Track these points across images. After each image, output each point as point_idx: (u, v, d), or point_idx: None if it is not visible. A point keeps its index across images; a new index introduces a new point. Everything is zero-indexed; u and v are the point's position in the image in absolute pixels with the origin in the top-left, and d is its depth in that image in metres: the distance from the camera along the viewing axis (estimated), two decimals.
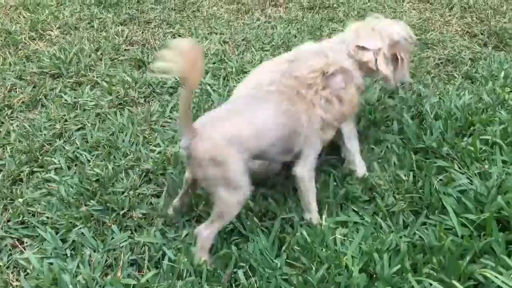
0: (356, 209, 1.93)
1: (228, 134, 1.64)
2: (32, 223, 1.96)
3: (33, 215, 2.01)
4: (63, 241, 1.87)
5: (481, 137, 2.15)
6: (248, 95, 1.96)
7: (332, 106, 1.81)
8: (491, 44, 3.45)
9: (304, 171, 1.83)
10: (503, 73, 2.86)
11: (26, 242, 1.89)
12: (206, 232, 1.72)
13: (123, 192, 2.09)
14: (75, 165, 2.30)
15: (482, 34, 3.59)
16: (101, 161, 2.30)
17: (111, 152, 2.35)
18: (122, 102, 2.82)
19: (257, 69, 2.23)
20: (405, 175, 2.04)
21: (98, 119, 2.65)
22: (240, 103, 1.86)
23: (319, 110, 1.80)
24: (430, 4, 4.25)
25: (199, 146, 1.61)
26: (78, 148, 2.40)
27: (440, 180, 1.97)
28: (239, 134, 1.66)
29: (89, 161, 2.31)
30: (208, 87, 2.87)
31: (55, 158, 2.33)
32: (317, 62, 1.83)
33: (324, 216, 1.87)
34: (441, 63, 3.19)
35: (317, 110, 1.80)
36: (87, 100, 2.80)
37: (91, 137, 2.47)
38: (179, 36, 3.69)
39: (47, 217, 1.98)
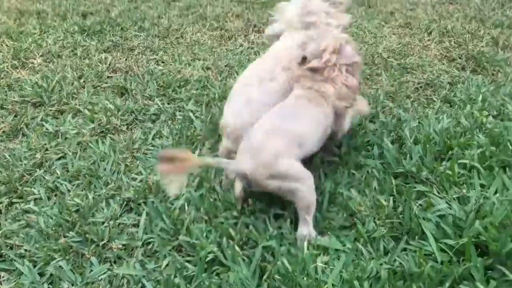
0: (337, 235, 1.93)
1: (281, 151, 1.82)
2: (9, 256, 1.92)
3: (11, 248, 1.97)
4: (41, 274, 1.83)
5: (459, 161, 2.18)
6: (281, 106, 2.06)
7: (349, 92, 2.06)
8: (469, 68, 3.52)
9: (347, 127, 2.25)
10: (480, 96, 2.92)
11: (3, 277, 1.85)
12: (306, 229, 1.87)
13: (103, 223, 2.06)
14: (55, 195, 2.28)
15: (460, 58, 3.67)
16: (82, 190, 2.28)
17: (92, 181, 2.33)
18: (104, 130, 2.81)
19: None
20: (385, 200, 2.04)
21: (80, 148, 2.63)
22: (277, 116, 1.98)
23: (342, 102, 2.06)
24: (409, 29, 4.34)
25: (260, 173, 1.80)
26: (58, 178, 2.37)
27: (420, 205, 1.98)
28: (290, 148, 1.86)
29: (69, 190, 2.29)
30: (191, 114, 2.88)
31: (35, 189, 2.30)
32: (326, 41, 2.06)
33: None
34: (421, 87, 3.24)
35: (341, 102, 2.06)
36: (68, 129, 2.79)
37: (72, 166, 2.45)
38: (162, 62, 3.71)
39: (25, 250, 1.94)
